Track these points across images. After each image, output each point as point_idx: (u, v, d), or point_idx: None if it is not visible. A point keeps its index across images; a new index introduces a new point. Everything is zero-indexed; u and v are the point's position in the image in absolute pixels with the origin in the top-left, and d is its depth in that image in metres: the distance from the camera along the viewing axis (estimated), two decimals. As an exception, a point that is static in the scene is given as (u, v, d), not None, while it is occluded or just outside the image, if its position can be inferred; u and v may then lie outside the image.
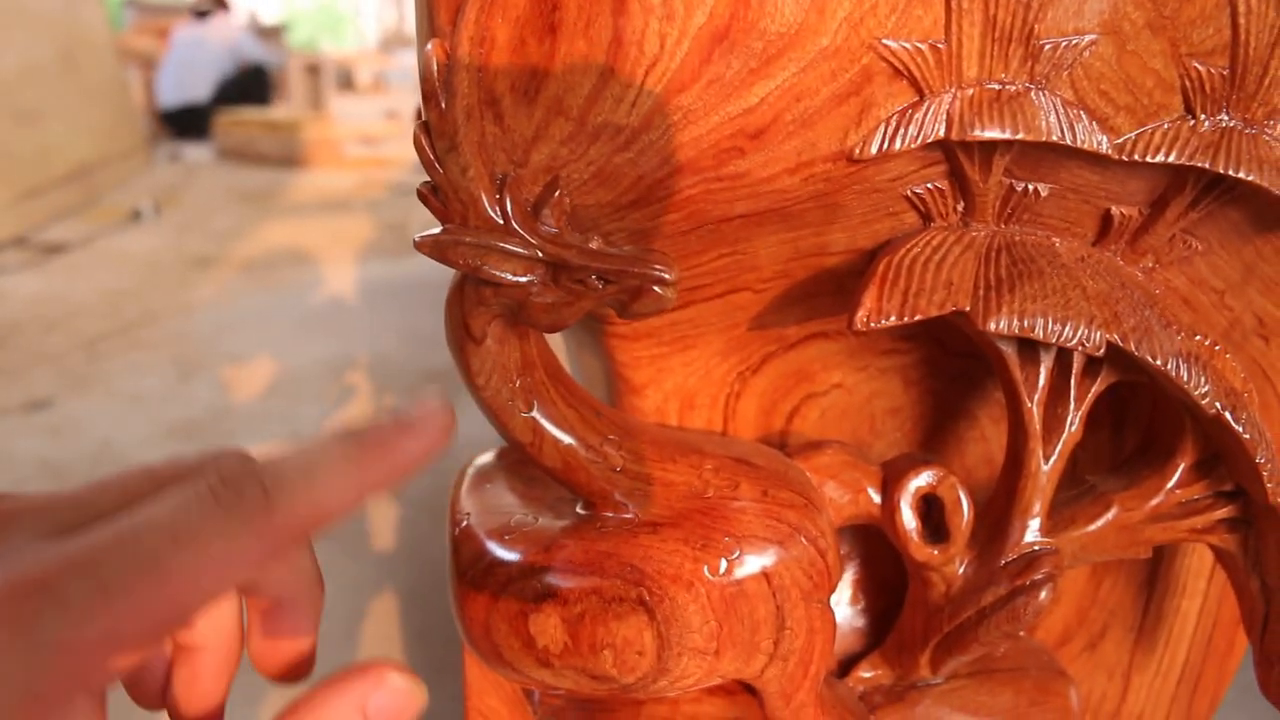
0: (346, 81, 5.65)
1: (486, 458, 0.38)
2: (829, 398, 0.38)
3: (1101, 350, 0.30)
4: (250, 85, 4.37)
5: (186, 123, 4.20)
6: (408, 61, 5.73)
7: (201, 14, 4.46)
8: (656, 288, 0.27)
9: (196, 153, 4.01)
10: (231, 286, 2.36)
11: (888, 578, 0.40)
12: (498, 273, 0.27)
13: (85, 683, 0.22)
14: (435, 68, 0.26)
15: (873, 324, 0.29)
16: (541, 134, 0.27)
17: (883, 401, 0.39)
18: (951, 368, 0.38)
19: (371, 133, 4.03)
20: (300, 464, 0.26)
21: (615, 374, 0.37)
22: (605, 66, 0.26)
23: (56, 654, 0.22)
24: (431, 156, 0.27)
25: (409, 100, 4.60)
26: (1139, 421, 0.39)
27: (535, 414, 0.31)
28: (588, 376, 0.43)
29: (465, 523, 0.33)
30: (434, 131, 0.27)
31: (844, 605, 0.40)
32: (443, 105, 0.26)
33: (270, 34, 5.28)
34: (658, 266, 0.27)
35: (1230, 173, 0.30)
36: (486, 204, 0.27)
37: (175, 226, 2.89)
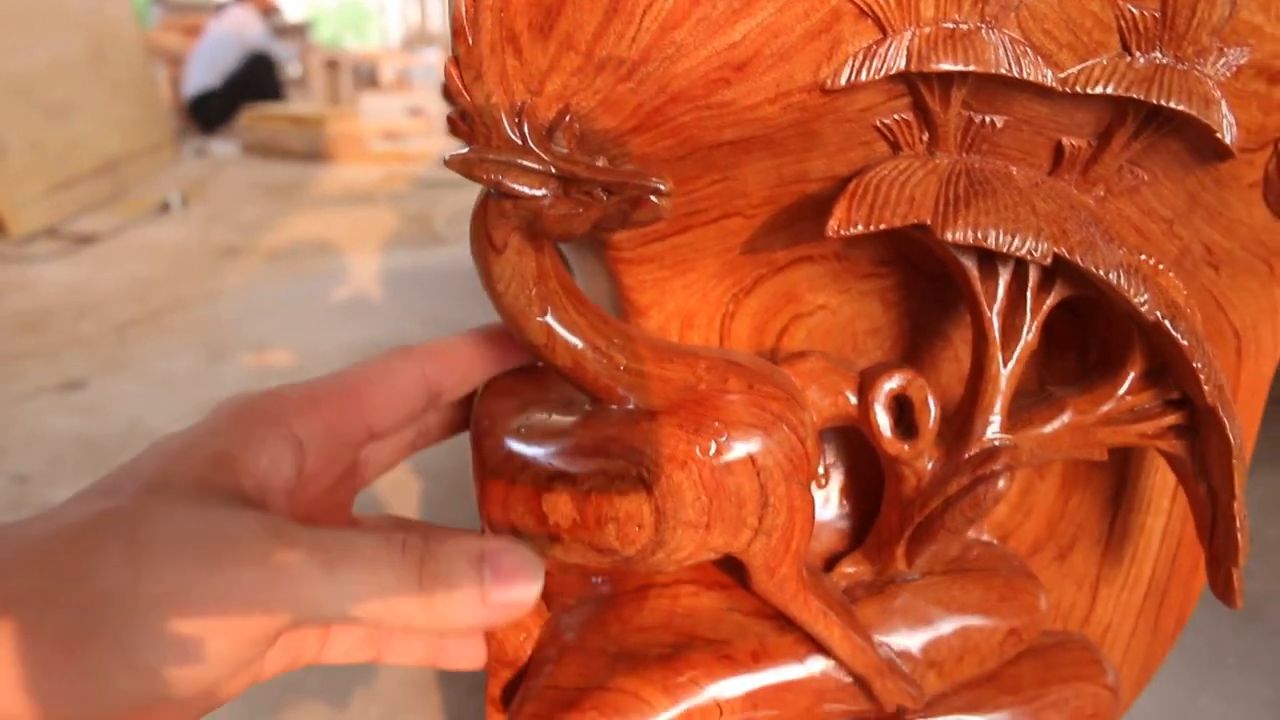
0: (371, 79, 5.73)
1: (502, 373, 0.42)
2: (814, 318, 0.42)
3: (1049, 260, 0.34)
4: (256, 74, 4.44)
5: (203, 111, 4.28)
6: (431, 59, 5.80)
7: (220, 7, 4.55)
8: (653, 197, 0.31)
9: (223, 147, 4.09)
10: (258, 275, 2.42)
11: (869, 485, 0.44)
12: (517, 186, 0.32)
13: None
14: (464, 7, 0.30)
15: (842, 231, 0.33)
16: (554, 66, 0.31)
17: (864, 322, 0.43)
18: (926, 291, 0.42)
19: (395, 128, 4.10)
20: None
21: (622, 297, 0.41)
22: (609, 6, 0.30)
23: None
24: (460, 85, 0.31)
25: (432, 97, 4.67)
26: (1097, 335, 0.43)
27: (549, 319, 0.35)
28: (597, 300, 0.47)
29: (485, 422, 0.38)
30: (462, 64, 0.31)
31: (830, 508, 0.44)
32: (470, 41, 0.31)
33: (294, 31, 5.36)
34: (654, 179, 0.31)
35: (1164, 103, 0.34)
36: (507, 127, 0.32)
37: (202, 218, 2.96)
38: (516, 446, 0.36)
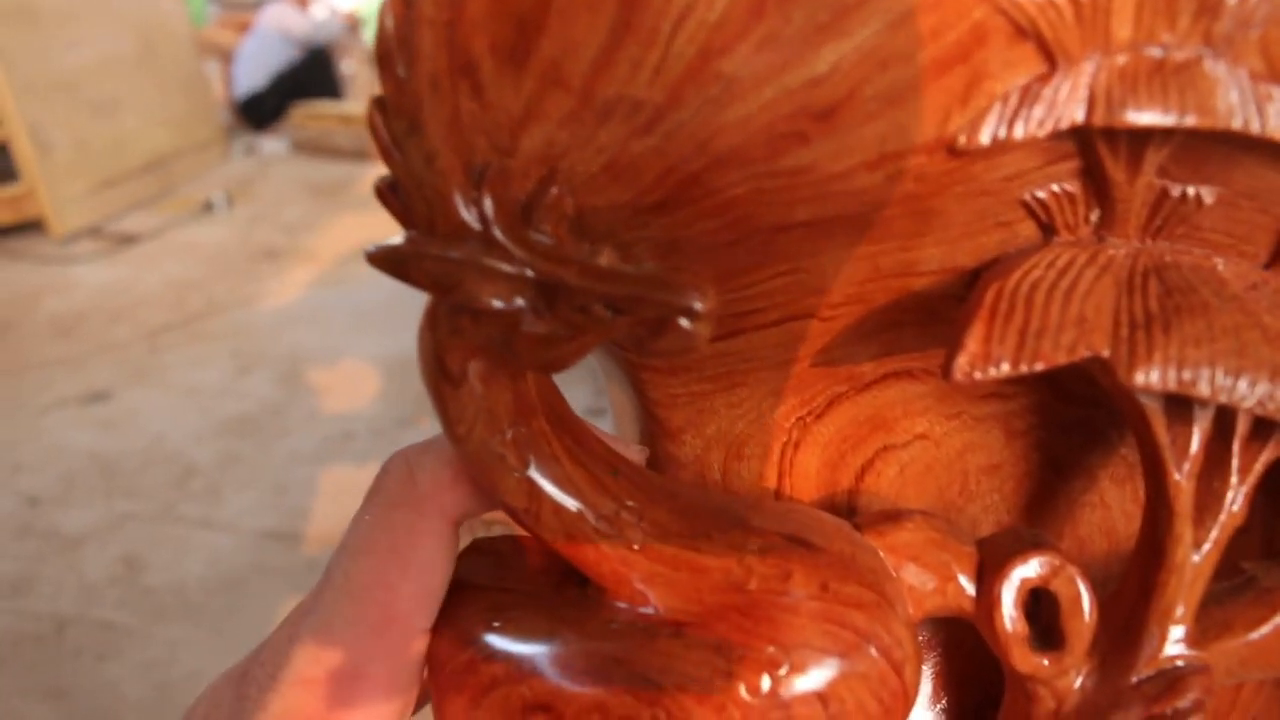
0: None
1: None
2: (910, 451, 0.30)
3: (1290, 413, 0.23)
4: (307, 70, 4.37)
5: (253, 110, 4.23)
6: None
7: (260, 4, 4.52)
8: (683, 320, 0.20)
9: (272, 145, 4.04)
10: (296, 279, 2.35)
11: (976, 670, 0.32)
12: (474, 296, 0.21)
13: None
14: (391, 19, 0.19)
15: (978, 374, 0.22)
16: (534, 111, 0.20)
17: (978, 456, 0.31)
18: (1065, 416, 0.31)
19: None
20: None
21: (647, 414, 0.30)
22: (618, 18, 0.19)
23: (300, 691, 0.26)
24: (388, 141, 0.20)
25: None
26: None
27: (532, 473, 0.24)
28: (618, 414, 0.36)
29: (446, 605, 0.27)
30: (390, 108, 0.20)
31: (920, 707, 0.33)
32: (401, 73, 0.20)
33: (349, 28, 5.30)
34: (685, 292, 0.20)
35: None
36: (460, 204, 0.20)
37: (245, 218, 2.90)
38: (487, 644, 0.25)
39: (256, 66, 4.25)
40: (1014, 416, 0.30)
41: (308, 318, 2.05)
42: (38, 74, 2.68)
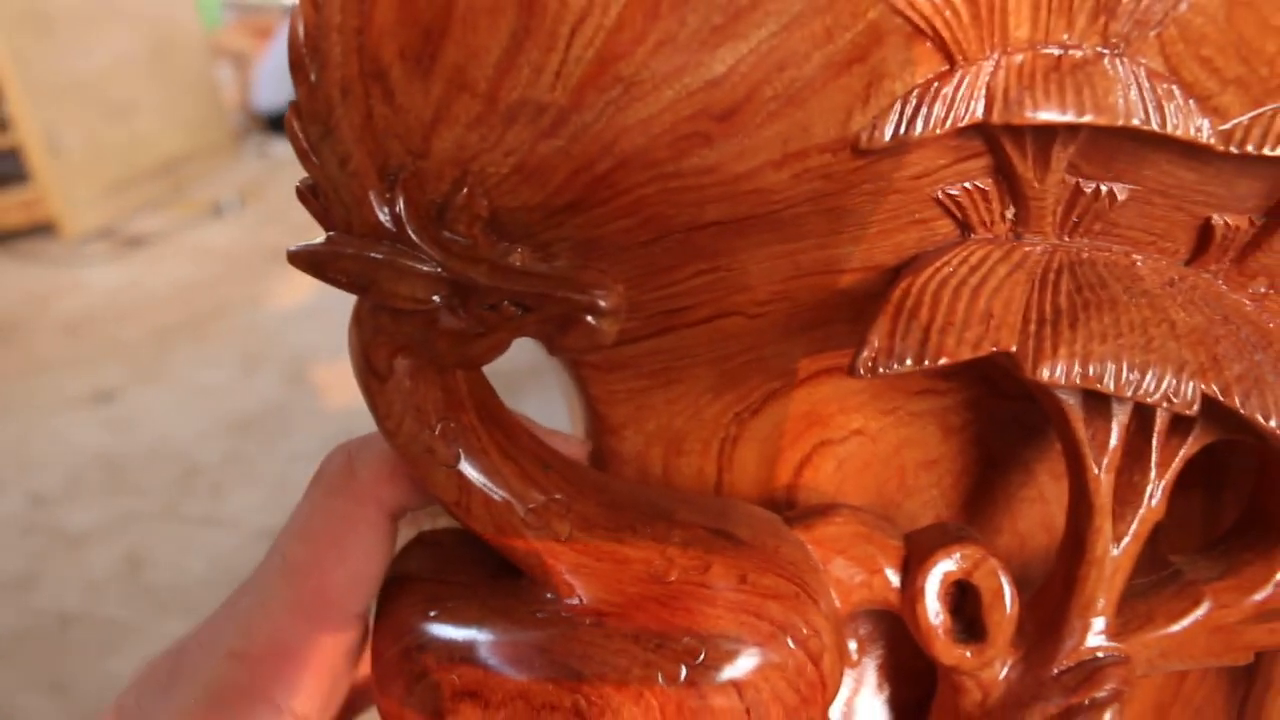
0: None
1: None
2: (847, 446, 0.31)
3: (1195, 407, 0.23)
4: None
5: (276, 120, 4.23)
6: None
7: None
8: (589, 317, 0.21)
9: (284, 148, 4.06)
10: (304, 281, 2.37)
11: (922, 663, 0.32)
12: (390, 294, 0.21)
13: (263, 694, 0.26)
14: (301, 26, 0.20)
15: (881, 369, 0.22)
16: (443, 115, 0.21)
17: (915, 452, 0.31)
18: (1002, 411, 0.31)
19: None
20: None
21: (589, 409, 0.31)
22: (517, 24, 0.19)
23: (233, 663, 0.27)
24: (305, 145, 0.21)
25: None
26: (1241, 482, 0.31)
27: (461, 466, 0.25)
28: (570, 410, 0.37)
29: (385, 597, 0.28)
30: (304, 113, 0.21)
31: (868, 695, 0.33)
32: (312, 78, 0.20)
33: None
34: (590, 290, 0.21)
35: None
36: (375, 205, 0.21)
37: (255, 220, 2.92)
38: (419, 638, 0.26)
39: (282, 85, 4.24)
40: (950, 412, 0.31)
41: (314, 318, 2.06)
42: (51, 78, 2.70)
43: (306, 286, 2.32)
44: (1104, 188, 0.24)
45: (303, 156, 0.21)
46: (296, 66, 0.20)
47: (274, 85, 4.19)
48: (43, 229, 2.70)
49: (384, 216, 0.21)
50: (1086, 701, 0.25)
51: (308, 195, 0.22)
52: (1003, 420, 0.31)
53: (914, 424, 0.31)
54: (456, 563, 0.29)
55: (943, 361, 0.22)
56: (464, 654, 0.25)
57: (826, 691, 0.25)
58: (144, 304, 2.23)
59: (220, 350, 1.92)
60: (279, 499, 1.36)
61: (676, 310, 0.27)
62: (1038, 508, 0.32)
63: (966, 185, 0.24)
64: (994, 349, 0.23)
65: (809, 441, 0.31)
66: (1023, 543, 0.32)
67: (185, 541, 1.27)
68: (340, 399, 1.66)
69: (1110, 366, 0.23)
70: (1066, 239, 0.25)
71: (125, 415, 1.64)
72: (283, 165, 3.80)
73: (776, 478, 0.31)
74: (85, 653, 1.09)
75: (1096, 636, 0.26)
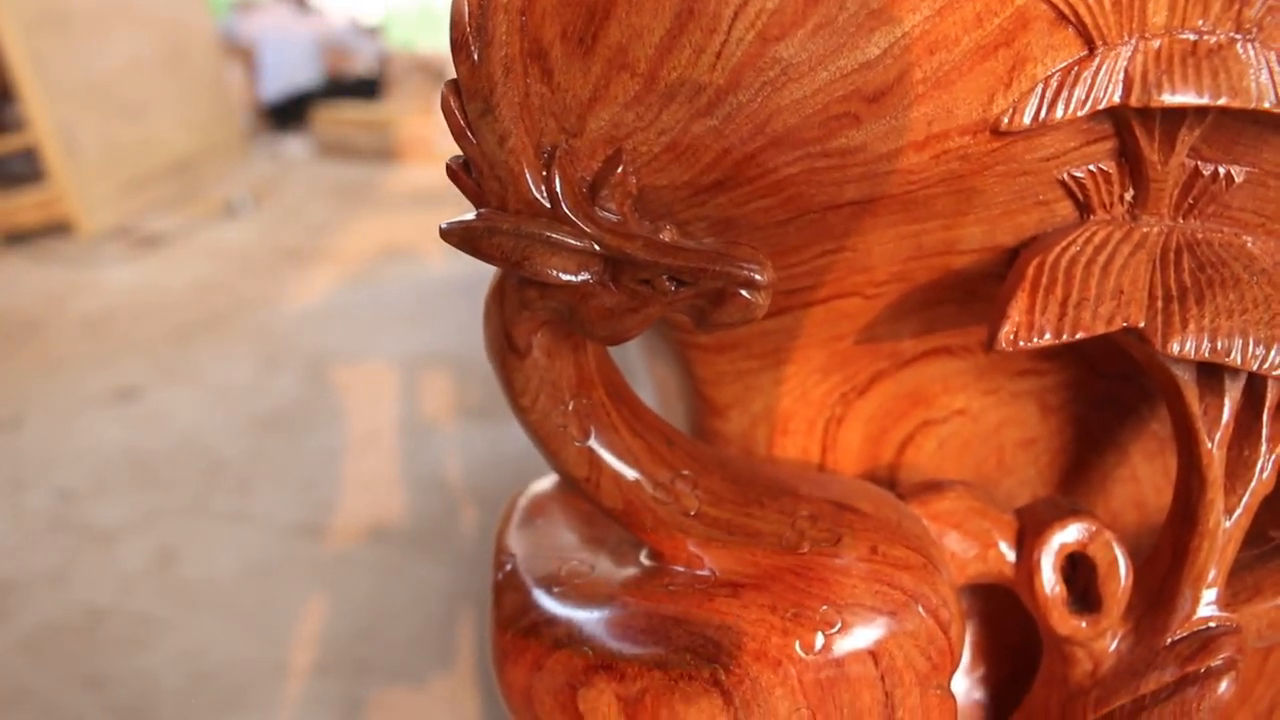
0: (439, 79, 5.67)
1: (541, 485, 0.32)
2: (949, 426, 0.32)
3: (1318, 381, 0.24)
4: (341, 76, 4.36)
5: (281, 112, 4.23)
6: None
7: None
8: (744, 291, 0.21)
9: (295, 147, 4.07)
10: (320, 279, 2.37)
11: (1014, 639, 0.33)
12: (544, 269, 0.22)
13: None
14: (467, 8, 0.21)
15: (1022, 343, 0.23)
16: (601, 94, 0.21)
17: (1014, 431, 0.32)
18: (1099, 391, 0.32)
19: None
20: None
21: (694, 391, 0.31)
22: (682, 6, 0.20)
23: None
24: (462, 123, 0.22)
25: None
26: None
27: (592, 443, 0.25)
28: (662, 392, 0.37)
29: (510, 565, 0.28)
30: (465, 91, 0.21)
31: (960, 673, 0.34)
32: (475, 57, 0.21)
33: (368, 34, 5.33)
34: (746, 265, 0.21)
35: None
36: (530, 182, 0.22)
37: (269, 219, 2.93)
38: (548, 609, 0.26)
39: (285, 70, 4.25)
40: (1049, 392, 0.31)
41: (334, 316, 2.07)
42: (69, 78, 2.72)
43: (321, 286, 2.33)
44: (1223, 170, 0.25)
45: (459, 134, 0.22)
46: (459, 45, 0.21)
47: (277, 74, 4.19)
48: (59, 228, 2.71)
49: (539, 194, 0.22)
50: (1202, 670, 0.26)
51: (459, 172, 0.22)
52: (1100, 400, 0.32)
53: (1014, 403, 0.31)
54: (570, 543, 0.29)
55: (1079, 336, 0.23)
56: (596, 628, 0.25)
57: (954, 659, 0.25)
58: (161, 303, 2.24)
59: (239, 349, 1.93)
60: (307, 494, 1.36)
61: (797, 290, 0.27)
62: (1130, 486, 0.33)
63: (1091, 168, 0.24)
64: (1126, 324, 0.23)
65: (913, 421, 0.31)
66: (1114, 520, 0.33)
67: (215, 537, 1.28)
68: (361, 397, 1.67)
69: (1237, 341, 0.23)
70: (1181, 220, 0.26)
71: (148, 413, 1.65)
72: (293, 165, 3.81)
73: (879, 456, 0.32)
74: (119, 648, 1.10)
75: (1209, 607, 0.27)
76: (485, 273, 0.26)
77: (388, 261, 2.42)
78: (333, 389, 1.73)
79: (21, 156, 2.68)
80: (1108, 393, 0.31)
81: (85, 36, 2.82)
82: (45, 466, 1.47)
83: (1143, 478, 0.33)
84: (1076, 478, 0.33)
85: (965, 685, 0.34)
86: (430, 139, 3.82)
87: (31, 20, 2.57)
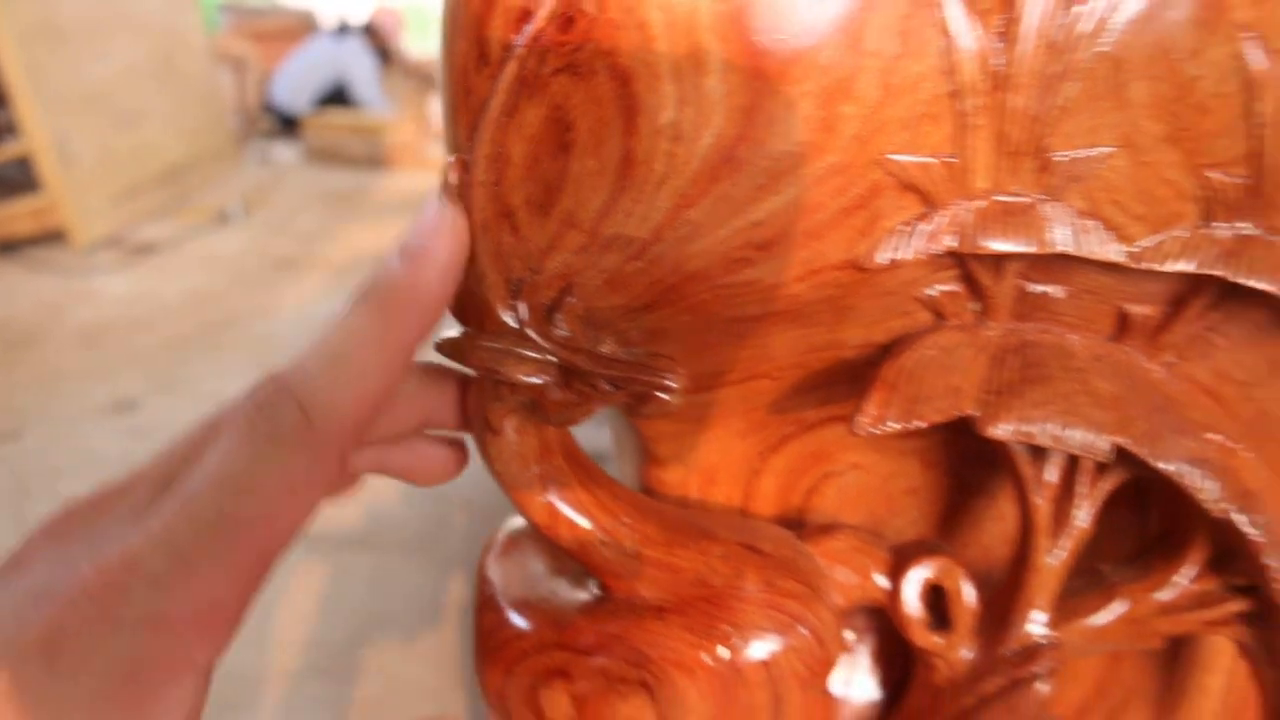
0: (429, 82, 5.73)
1: (517, 522, 0.39)
2: (846, 477, 0.39)
3: (1108, 456, 0.31)
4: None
5: (283, 118, 4.27)
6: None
7: (342, 29, 4.41)
8: (661, 394, 0.28)
9: (286, 153, 4.12)
10: (314, 289, 2.43)
11: (906, 649, 0.40)
12: (513, 375, 0.29)
13: (187, 658, 0.23)
14: (455, 182, 0.28)
15: (874, 430, 0.30)
16: (555, 244, 0.28)
17: (900, 481, 0.39)
18: (970, 449, 0.39)
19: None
20: (326, 356, 0.26)
21: (641, 448, 0.38)
22: (616, 183, 0.27)
23: (152, 631, 0.22)
24: (452, 265, 0.29)
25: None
26: (1163, 502, 0.39)
27: (552, 497, 0.32)
28: (619, 446, 0.44)
29: (489, 591, 0.35)
30: (454, 242, 0.28)
31: (863, 674, 0.41)
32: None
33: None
34: (663, 374, 0.28)
35: (1250, 282, 0.30)
36: (501, 311, 0.29)
37: (261, 228, 2.98)
38: (518, 626, 0.33)
39: (299, 88, 4.25)
40: (929, 450, 0.39)
41: (324, 328, 2.12)
42: (64, 87, 2.75)
43: (315, 295, 2.38)
44: (1046, 289, 0.32)
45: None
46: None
47: (292, 86, 4.24)
48: (52, 237, 2.76)
49: (509, 318, 0.29)
50: (1026, 675, 0.33)
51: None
52: (971, 456, 0.39)
53: (900, 459, 0.39)
54: (538, 573, 0.36)
55: (920, 425, 0.30)
56: (555, 641, 0.32)
57: (829, 665, 0.32)
58: (157, 313, 2.29)
59: (236, 360, 1.98)
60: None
61: (717, 374, 0.34)
62: (1000, 524, 0.40)
63: (941, 289, 0.31)
64: (958, 414, 0.30)
65: (817, 473, 0.38)
66: (987, 553, 0.40)
67: (213, 544, 1.35)
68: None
69: (1045, 426, 0.30)
70: (1018, 324, 0.33)
71: (149, 424, 1.71)
72: (284, 172, 3.86)
73: (790, 501, 0.39)
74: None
75: (1038, 626, 0.34)
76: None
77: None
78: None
79: (16, 165, 2.73)
80: (978, 450, 0.38)
81: (80, 45, 2.86)
82: (48, 478, 1.53)
83: (1008, 517, 0.40)
84: (954, 518, 0.40)
85: (868, 682, 0.41)
86: (420, 145, 3.87)
87: (26, 30, 2.61)
